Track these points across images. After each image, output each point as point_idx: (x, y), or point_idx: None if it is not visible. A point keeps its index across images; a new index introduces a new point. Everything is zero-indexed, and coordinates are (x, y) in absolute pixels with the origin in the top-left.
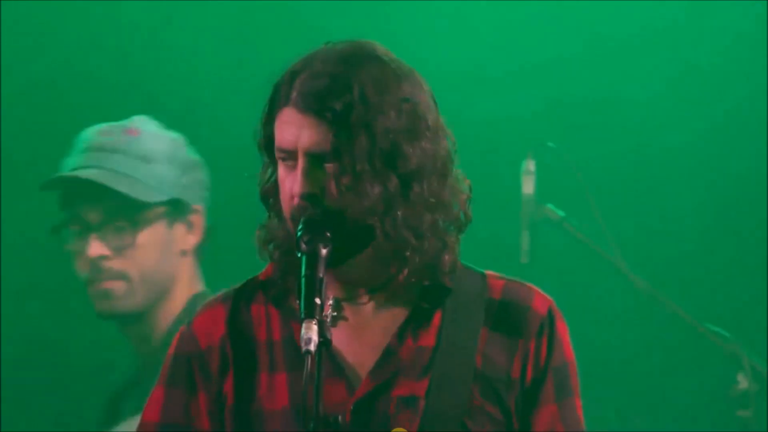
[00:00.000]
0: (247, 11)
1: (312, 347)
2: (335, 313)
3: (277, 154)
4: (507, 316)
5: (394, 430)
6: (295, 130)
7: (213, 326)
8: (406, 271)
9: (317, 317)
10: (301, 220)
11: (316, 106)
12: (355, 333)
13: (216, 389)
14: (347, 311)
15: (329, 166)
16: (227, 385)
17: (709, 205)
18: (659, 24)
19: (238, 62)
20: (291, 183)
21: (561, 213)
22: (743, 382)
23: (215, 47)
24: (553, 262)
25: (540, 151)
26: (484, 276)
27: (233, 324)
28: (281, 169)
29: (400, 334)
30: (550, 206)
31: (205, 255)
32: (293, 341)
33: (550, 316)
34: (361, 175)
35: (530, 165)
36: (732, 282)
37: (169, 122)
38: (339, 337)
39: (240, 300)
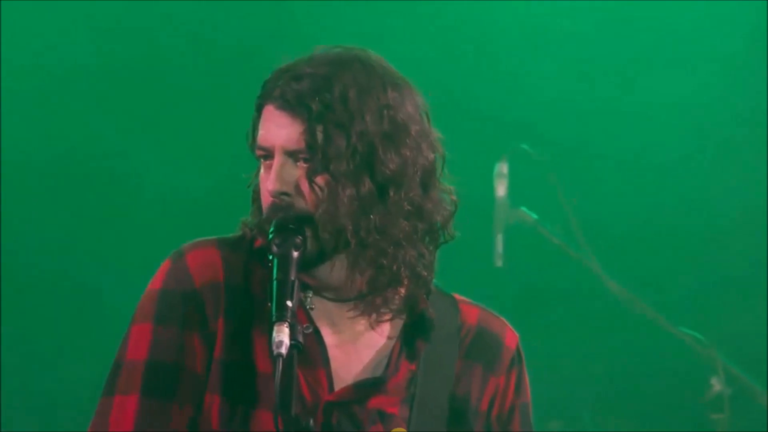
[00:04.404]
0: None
1: (283, 350)
2: (312, 306)
3: (257, 153)
4: (481, 348)
5: (394, 430)
6: (272, 127)
7: (209, 267)
8: (385, 279)
9: (289, 320)
10: (273, 222)
11: (293, 104)
12: (343, 336)
13: (209, 334)
14: (332, 311)
15: (303, 165)
16: (218, 332)
17: (684, 209)
18: (638, 25)
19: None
20: (266, 181)
21: (534, 216)
22: (717, 385)
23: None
24: (527, 265)
25: (513, 154)
26: (455, 300)
27: (231, 272)
28: (262, 168)
29: (395, 364)
30: (523, 209)
31: None
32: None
33: (519, 353)
34: (334, 176)
35: (503, 168)
36: (706, 286)
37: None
38: (328, 337)
39: (236, 251)
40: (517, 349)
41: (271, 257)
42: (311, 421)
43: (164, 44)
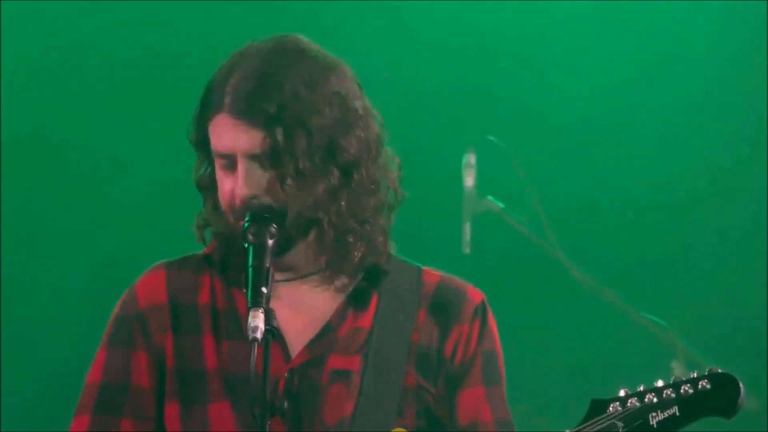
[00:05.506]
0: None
1: (258, 335)
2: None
3: (216, 159)
4: (443, 301)
5: (394, 430)
6: (231, 135)
7: (153, 288)
8: (349, 257)
9: (264, 306)
10: (248, 212)
11: (249, 110)
12: (296, 307)
13: (155, 348)
14: (286, 290)
15: (269, 167)
16: (167, 346)
17: (645, 198)
18: (602, 19)
19: None
20: (231, 184)
21: (500, 204)
22: (678, 369)
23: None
24: (494, 253)
25: (481, 145)
26: (420, 269)
27: (173, 287)
28: (219, 169)
29: (341, 314)
30: (490, 198)
31: None
32: (235, 310)
33: (483, 306)
34: (302, 174)
35: (471, 158)
36: (668, 273)
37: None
38: (280, 311)
39: (183, 267)
40: (482, 303)
41: (246, 245)
42: (285, 404)
43: (155, 40)
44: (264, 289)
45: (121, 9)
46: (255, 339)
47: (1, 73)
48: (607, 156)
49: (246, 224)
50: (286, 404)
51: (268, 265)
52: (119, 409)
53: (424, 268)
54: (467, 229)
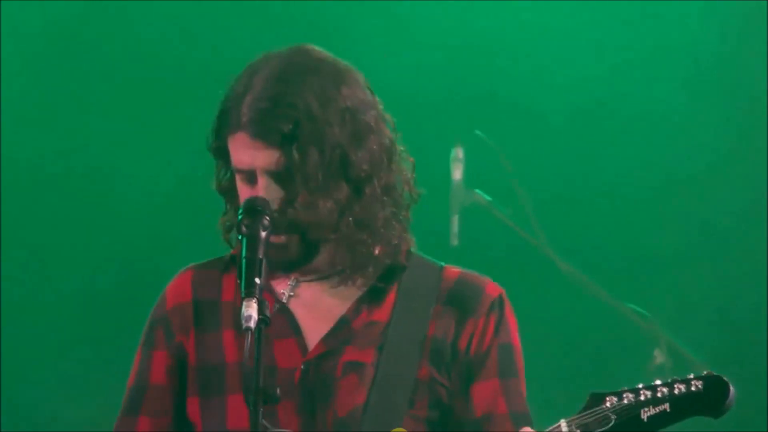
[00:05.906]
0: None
1: (252, 324)
2: (292, 293)
3: (237, 173)
4: (460, 295)
5: (394, 430)
6: (250, 152)
7: (180, 289)
8: (365, 261)
9: (257, 296)
10: (242, 204)
11: (266, 131)
12: (314, 305)
13: (175, 346)
14: (305, 289)
15: (286, 184)
16: (189, 343)
17: (628, 193)
18: (594, 13)
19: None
20: (247, 194)
21: (488, 197)
22: (659, 357)
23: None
24: (482, 245)
25: (468, 139)
26: (441, 267)
27: (198, 287)
28: (239, 181)
29: (356, 308)
30: (477, 191)
31: None
32: None
33: (501, 300)
34: (312, 192)
35: (459, 152)
36: (662, 268)
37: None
38: (298, 307)
39: (211, 268)
40: (500, 296)
41: (240, 237)
42: (278, 390)
43: (156, 44)
44: (257, 280)
45: (122, 11)
46: (248, 328)
47: (1, 73)
48: (597, 149)
49: (240, 216)
50: (278, 391)
51: (261, 256)
52: (139, 409)
53: (446, 265)
54: (455, 221)
